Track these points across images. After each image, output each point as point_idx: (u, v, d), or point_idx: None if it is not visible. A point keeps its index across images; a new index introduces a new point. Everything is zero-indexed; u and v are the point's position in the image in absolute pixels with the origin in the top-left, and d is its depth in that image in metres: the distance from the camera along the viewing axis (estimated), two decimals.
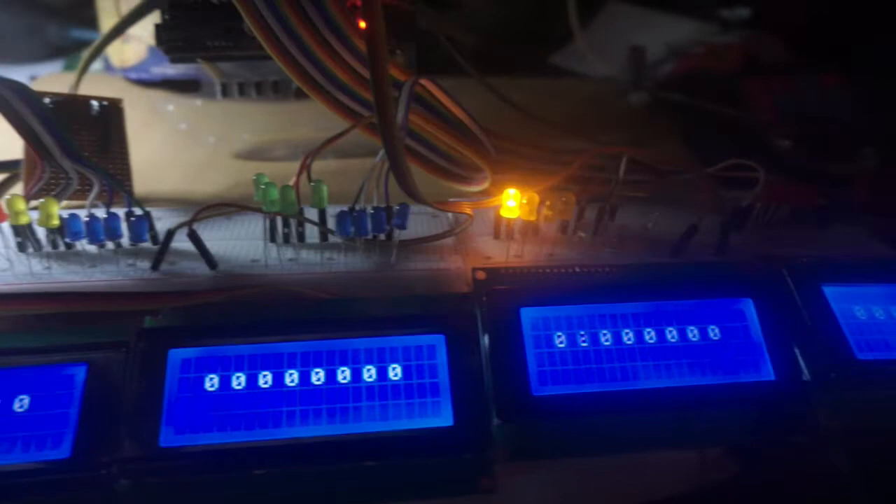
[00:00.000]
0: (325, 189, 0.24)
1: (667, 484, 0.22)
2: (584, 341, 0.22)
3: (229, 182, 0.34)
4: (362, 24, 0.27)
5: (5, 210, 0.22)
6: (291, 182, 0.25)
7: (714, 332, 0.23)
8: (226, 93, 0.36)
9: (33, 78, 0.53)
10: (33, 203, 0.24)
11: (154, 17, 0.32)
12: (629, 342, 0.23)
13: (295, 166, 0.35)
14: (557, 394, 0.21)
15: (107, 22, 0.44)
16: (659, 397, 0.22)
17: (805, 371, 0.22)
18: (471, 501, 0.21)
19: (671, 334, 0.23)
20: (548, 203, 0.25)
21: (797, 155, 0.38)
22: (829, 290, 0.24)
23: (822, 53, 0.47)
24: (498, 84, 0.39)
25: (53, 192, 0.24)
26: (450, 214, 0.29)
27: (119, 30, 0.29)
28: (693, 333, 0.23)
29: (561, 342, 0.22)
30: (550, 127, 0.38)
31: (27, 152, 0.25)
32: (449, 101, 0.28)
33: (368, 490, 0.21)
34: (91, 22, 0.58)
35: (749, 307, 0.23)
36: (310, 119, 0.39)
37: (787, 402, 0.22)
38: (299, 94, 0.36)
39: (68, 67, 0.56)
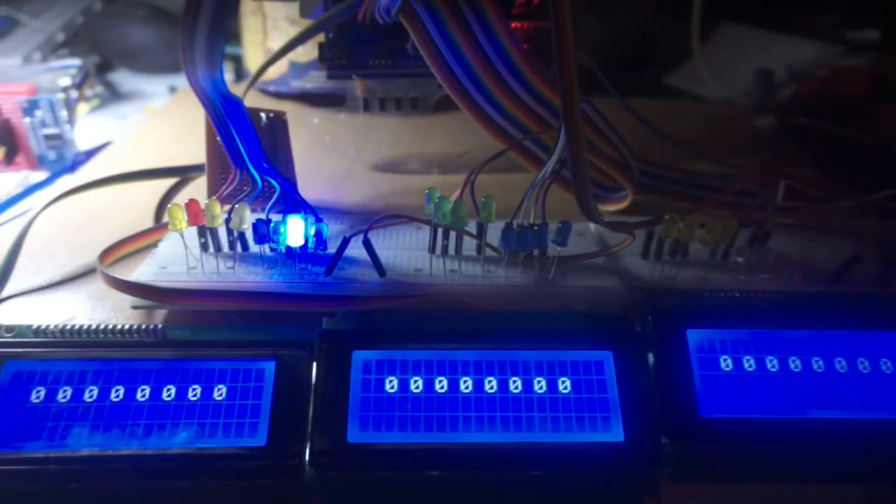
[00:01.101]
0: (493, 205, 0.24)
1: None
2: (750, 366, 0.22)
3: (369, 193, 0.36)
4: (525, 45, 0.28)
5: (204, 213, 0.24)
6: (454, 197, 0.26)
7: (886, 366, 0.22)
8: (367, 107, 0.38)
9: (172, 88, 0.57)
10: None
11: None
12: (796, 370, 0.22)
13: (428, 179, 0.36)
14: (725, 417, 0.21)
15: (250, 38, 0.47)
16: (828, 428, 0.21)
17: None
18: None
19: (840, 365, 0.22)
20: (707, 227, 0.25)
21: None
22: None
23: None
24: (611, 105, 0.39)
25: (240, 197, 0.26)
26: (592, 230, 0.29)
27: (287, 49, 0.31)
28: (864, 365, 0.22)
29: (727, 365, 0.22)
30: (682, 149, 0.38)
31: (214, 159, 0.27)
32: (603, 122, 0.28)
33: (534, 500, 0.21)
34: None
35: None
36: (443, 135, 0.40)
37: None
38: (436, 110, 0.37)
39: None
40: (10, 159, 0.39)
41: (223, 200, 0.26)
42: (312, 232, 0.25)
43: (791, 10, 0.59)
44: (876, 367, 0.22)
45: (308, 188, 0.36)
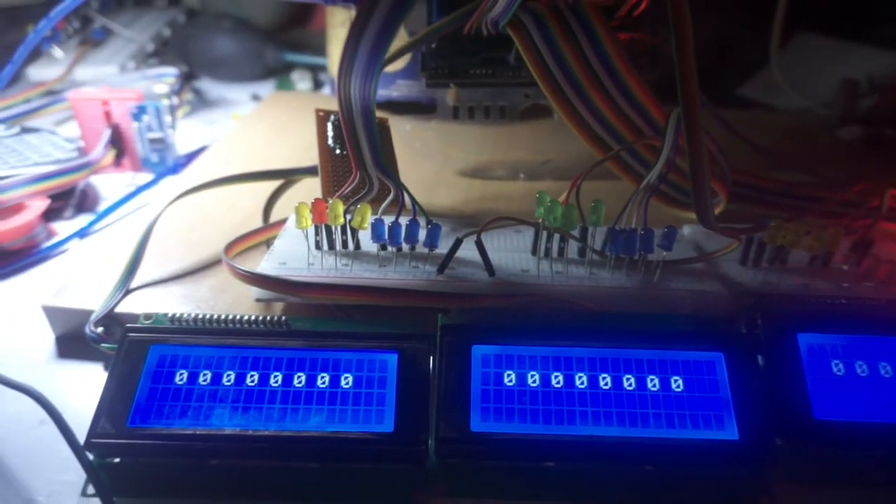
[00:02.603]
0: (602, 209, 0.25)
1: None
2: (862, 371, 0.23)
3: (459, 197, 0.37)
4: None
5: (328, 212, 0.25)
6: (561, 200, 0.27)
7: None
8: (457, 115, 0.39)
9: (255, 96, 0.59)
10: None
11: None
12: None
13: (513, 185, 0.37)
14: (839, 420, 0.22)
15: (337, 49, 0.49)
16: None
17: None
18: None
19: None
20: (814, 234, 0.26)
21: None
22: None
23: None
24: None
25: (358, 197, 0.27)
26: (686, 237, 0.30)
27: (397, 55, 0.32)
28: None
29: (839, 370, 0.23)
30: (767, 158, 0.38)
31: (326, 161, 0.29)
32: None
33: (648, 494, 0.22)
34: (297, 46, 0.64)
35: None
36: (526, 143, 0.41)
37: None
38: (522, 119, 0.38)
39: (280, 86, 0.62)
40: (118, 161, 0.42)
41: (343, 199, 0.27)
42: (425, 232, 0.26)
43: (868, 21, 0.59)
44: None
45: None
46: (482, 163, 0.41)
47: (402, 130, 0.40)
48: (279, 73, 0.63)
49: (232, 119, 0.54)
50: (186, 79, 0.60)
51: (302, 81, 0.61)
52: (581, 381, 0.22)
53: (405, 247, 0.27)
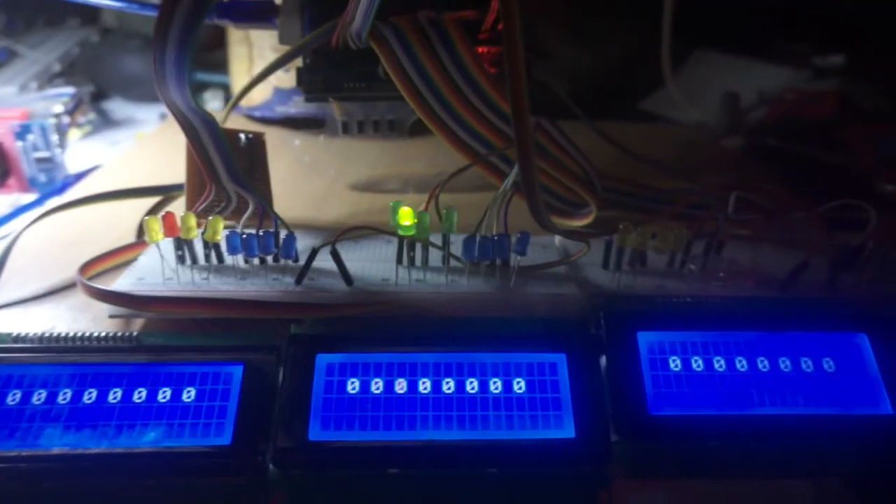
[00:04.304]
0: (455, 215, 0.26)
1: None
2: (698, 366, 0.23)
3: (348, 211, 0.37)
4: (492, 69, 0.30)
5: (179, 225, 0.25)
6: (421, 208, 0.27)
7: (829, 365, 0.23)
8: (346, 130, 0.39)
9: (163, 115, 0.58)
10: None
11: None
12: (742, 369, 0.23)
13: (405, 198, 0.37)
14: (673, 414, 0.22)
15: (238, 66, 0.49)
16: (773, 424, 0.22)
17: None
18: None
19: (784, 364, 0.23)
20: (659, 236, 0.26)
21: None
22: None
23: None
24: (582, 128, 0.41)
25: (216, 211, 0.27)
26: (557, 243, 0.30)
27: (265, 74, 0.33)
28: (807, 364, 0.23)
29: (676, 366, 0.23)
30: (654, 169, 0.40)
31: (193, 176, 0.29)
32: (563, 138, 0.30)
33: (491, 495, 0.22)
34: (214, 66, 0.64)
35: (865, 342, 0.24)
36: (420, 156, 0.42)
37: None
38: (412, 133, 0.39)
39: None
40: (2, 182, 0.41)
41: (200, 214, 0.27)
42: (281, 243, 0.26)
43: (764, 39, 0.62)
44: (819, 366, 0.23)
45: (290, 207, 0.38)
46: (375, 177, 0.41)
47: (292, 146, 0.40)
48: (192, 93, 0.62)
49: (136, 139, 0.53)
50: (95, 99, 0.59)
51: (214, 101, 0.61)
52: (425, 386, 0.23)
53: (269, 259, 0.27)
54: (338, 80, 0.33)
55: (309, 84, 0.33)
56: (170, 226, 0.25)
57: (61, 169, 0.42)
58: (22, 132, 0.40)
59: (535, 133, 0.28)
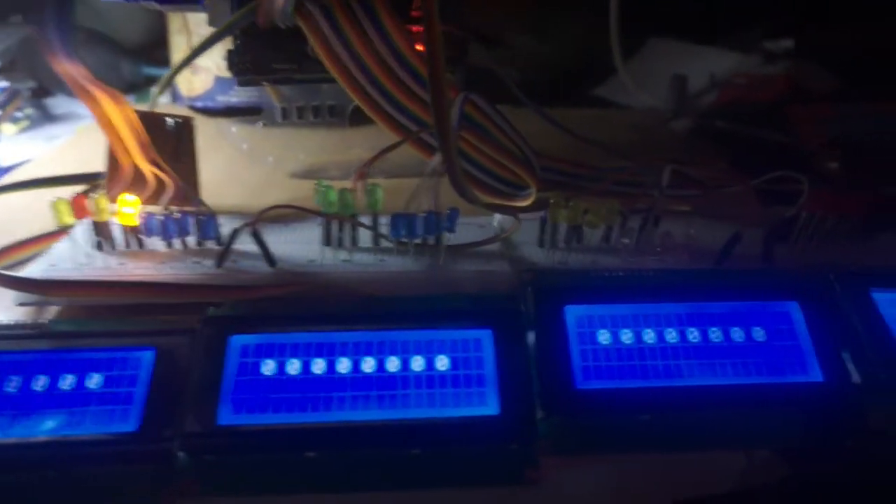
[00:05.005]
0: (380, 192, 0.25)
1: (711, 483, 0.21)
2: (627, 339, 0.23)
3: (286, 198, 0.35)
4: (419, 47, 0.29)
5: (89, 208, 0.24)
6: (349, 187, 0.26)
7: (759, 334, 0.23)
8: (285, 116, 0.38)
9: None
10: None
11: (222, 50, 0.35)
12: (673, 341, 0.23)
13: (344, 185, 0.36)
14: (601, 388, 0.22)
15: (178, 56, 0.48)
16: (703, 395, 0.22)
17: (854, 373, 0.22)
18: (514, 493, 0.21)
19: (715, 334, 0.23)
20: (591, 209, 0.26)
21: (845, 177, 0.38)
22: (879, 296, 0.24)
23: (868, 81, 0.47)
24: (535, 115, 0.40)
25: (136, 193, 0.26)
26: (496, 223, 0.30)
27: (190, 59, 0.31)
28: (738, 334, 0.23)
29: (605, 339, 0.23)
30: (601, 151, 0.39)
31: (111, 159, 0.28)
32: (498, 117, 0.29)
33: (414, 476, 0.21)
34: (160, 61, 0.63)
35: (795, 310, 0.23)
36: (362, 142, 0.40)
37: (836, 403, 0.22)
38: (353, 119, 0.38)
39: (139, 100, 0.60)
40: None
41: (113, 196, 0.26)
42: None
43: (716, 25, 0.62)
44: (749, 336, 0.23)
45: (226, 194, 0.37)
46: (317, 164, 0.40)
47: (228, 132, 0.39)
48: (140, 88, 0.61)
49: (76, 134, 0.51)
50: (37, 95, 0.58)
51: (162, 95, 0.59)
52: (344, 366, 0.22)
53: (192, 244, 0.26)
54: (267, 61, 0.32)
55: (238, 66, 0.32)
56: (79, 207, 0.24)
57: None
58: None
59: (465, 106, 0.27)
